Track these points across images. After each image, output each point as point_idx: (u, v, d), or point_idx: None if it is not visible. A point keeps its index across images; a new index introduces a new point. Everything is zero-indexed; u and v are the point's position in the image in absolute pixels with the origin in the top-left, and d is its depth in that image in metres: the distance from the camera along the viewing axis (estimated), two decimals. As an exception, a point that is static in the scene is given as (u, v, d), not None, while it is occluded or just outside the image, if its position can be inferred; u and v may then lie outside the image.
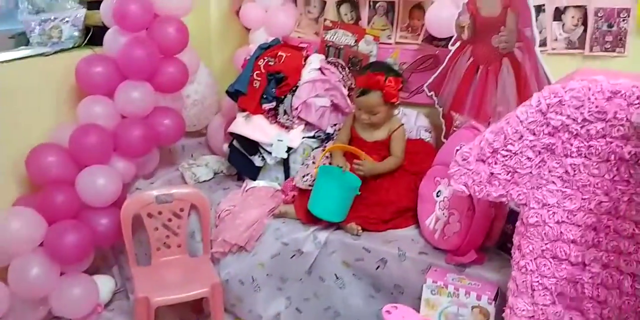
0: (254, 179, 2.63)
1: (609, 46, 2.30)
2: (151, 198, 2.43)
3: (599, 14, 2.29)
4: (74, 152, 2.37)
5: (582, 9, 2.31)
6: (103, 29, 2.60)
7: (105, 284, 2.55)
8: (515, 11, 2.04)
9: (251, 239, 2.34)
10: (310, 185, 2.33)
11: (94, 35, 2.72)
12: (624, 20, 2.25)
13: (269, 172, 2.62)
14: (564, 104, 1.51)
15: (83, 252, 2.31)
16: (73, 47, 2.68)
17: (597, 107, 1.48)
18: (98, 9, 2.62)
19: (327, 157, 2.40)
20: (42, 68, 2.52)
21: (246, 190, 2.56)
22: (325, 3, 2.83)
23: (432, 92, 2.41)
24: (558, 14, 2.35)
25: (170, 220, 2.48)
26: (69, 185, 2.34)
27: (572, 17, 2.33)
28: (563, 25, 2.36)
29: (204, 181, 2.77)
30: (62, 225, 2.28)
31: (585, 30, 2.32)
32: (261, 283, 2.38)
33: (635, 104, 1.44)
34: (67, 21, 2.67)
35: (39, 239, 2.24)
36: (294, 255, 2.28)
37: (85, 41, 2.72)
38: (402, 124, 2.37)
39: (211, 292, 2.28)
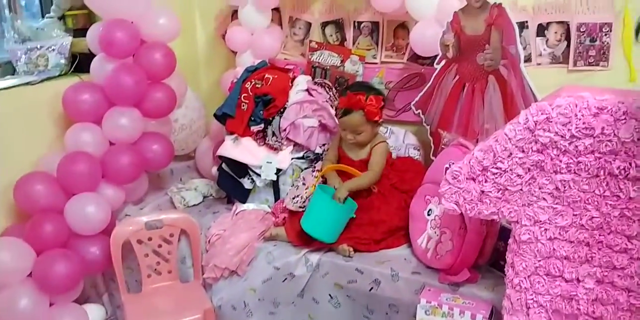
0: (244, 202, 2.62)
1: (592, 60, 2.32)
2: (141, 224, 2.41)
3: (581, 29, 2.31)
4: (62, 180, 2.35)
5: (565, 24, 2.34)
6: (90, 56, 2.60)
7: (95, 312, 2.50)
8: (499, 29, 2.06)
9: (242, 264, 2.32)
10: (300, 207, 2.32)
11: (80, 62, 2.72)
12: (606, 34, 2.28)
13: (259, 194, 2.61)
14: (551, 121, 1.52)
15: (72, 281, 2.27)
16: (60, 75, 2.69)
17: (584, 123, 1.49)
18: (84, 36, 2.62)
19: (321, 177, 2.39)
20: (29, 97, 2.51)
21: (236, 214, 2.55)
22: (310, 25, 2.86)
23: (419, 111, 2.42)
24: (541, 29, 2.38)
25: (160, 246, 2.45)
26: (58, 213, 2.31)
27: (555, 32, 2.36)
28: (547, 40, 2.38)
29: (193, 205, 2.76)
30: (50, 254, 2.25)
31: (568, 45, 2.35)
32: (253, 308, 2.35)
33: (622, 120, 1.45)
34: (53, 49, 2.67)
35: (27, 270, 2.21)
36: (285, 279, 2.26)
37: (72, 69, 2.72)
38: (385, 141, 2.37)
39: (203, 319, 2.25)
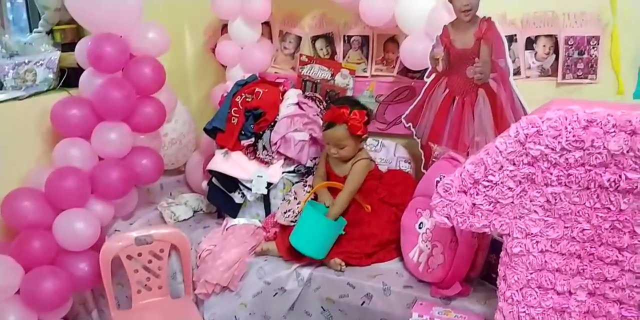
0: (234, 217, 2.60)
1: (581, 73, 2.34)
2: (130, 240, 2.38)
3: (570, 42, 2.33)
4: (50, 195, 2.32)
5: (553, 37, 2.36)
6: (78, 70, 2.59)
7: (85, 329, 2.49)
8: (488, 43, 2.08)
9: (234, 279, 2.30)
10: (292, 221, 2.32)
11: (69, 77, 2.71)
12: (594, 47, 2.30)
13: (250, 208, 2.60)
14: (541, 134, 1.52)
15: (61, 298, 2.24)
16: (48, 90, 2.66)
17: (574, 136, 1.49)
18: (73, 51, 2.60)
19: (309, 192, 2.39)
20: (17, 112, 2.48)
21: (226, 229, 2.53)
22: (300, 39, 2.87)
23: (410, 124, 2.42)
24: (530, 43, 2.40)
25: (150, 261, 2.43)
26: (46, 230, 2.29)
27: (544, 45, 2.38)
28: (535, 53, 2.40)
29: (184, 220, 2.74)
30: (39, 271, 2.22)
31: (557, 58, 2.37)
32: (244, 323, 2.34)
33: (611, 132, 1.45)
34: (41, 64, 2.66)
35: (15, 287, 2.18)
36: (276, 294, 2.25)
37: (60, 83, 2.71)
38: (366, 158, 2.36)
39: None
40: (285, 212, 2.38)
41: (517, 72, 2.38)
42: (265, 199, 2.57)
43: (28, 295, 2.18)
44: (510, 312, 1.67)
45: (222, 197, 2.61)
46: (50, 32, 2.91)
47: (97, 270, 2.34)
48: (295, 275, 2.23)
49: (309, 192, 2.42)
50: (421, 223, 2.13)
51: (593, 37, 2.29)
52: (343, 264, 2.19)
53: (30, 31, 2.95)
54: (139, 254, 2.40)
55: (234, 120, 2.61)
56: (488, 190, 1.62)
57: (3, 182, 2.36)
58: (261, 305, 2.30)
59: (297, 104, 2.63)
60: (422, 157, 2.41)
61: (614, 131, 1.45)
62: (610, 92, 2.30)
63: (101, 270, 2.32)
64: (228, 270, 2.31)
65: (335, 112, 2.27)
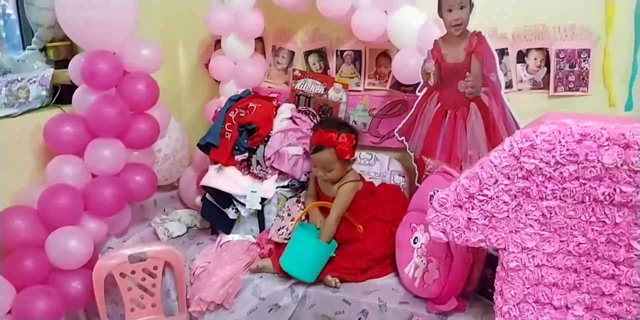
0: (228, 233, 2.59)
1: (572, 86, 2.35)
2: (124, 257, 2.36)
3: (560, 55, 2.34)
4: (43, 213, 2.31)
5: (544, 50, 2.37)
6: (71, 87, 2.58)
7: (78, 349, 2.46)
8: (479, 57, 2.09)
9: (229, 296, 2.28)
10: (286, 239, 2.31)
11: (62, 94, 2.70)
12: (584, 60, 2.32)
13: (244, 224, 2.59)
14: (535, 148, 1.52)
15: (53, 318, 2.21)
16: (41, 107, 2.66)
17: (568, 149, 1.49)
18: (66, 67, 2.60)
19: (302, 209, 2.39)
20: (10, 129, 2.47)
21: (220, 245, 2.51)
22: (293, 53, 2.88)
23: (403, 137, 2.42)
24: (521, 56, 2.41)
25: (144, 279, 2.41)
26: (38, 248, 2.26)
27: (535, 58, 2.39)
28: (527, 66, 2.41)
29: (177, 236, 2.72)
30: (31, 291, 2.19)
31: (548, 71, 2.38)
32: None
33: (605, 146, 1.46)
34: (34, 81, 2.65)
35: (7, 307, 2.15)
36: (271, 310, 2.23)
37: (54, 100, 2.70)
38: (353, 180, 2.35)
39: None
40: (279, 229, 2.37)
41: (509, 85, 2.39)
42: (260, 215, 2.56)
43: (20, 315, 2.15)
44: (507, 327, 1.66)
45: (216, 212, 2.59)
46: (43, 49, 2.90)
47: (90, 288, 2.32)
48: (290, 291, 2.21)
49: (301, 210, 2.41)
50: (416, 238, 2.12)
51: (584, 50, 2.31)
52: (337, 280, 2.18)
53: (24, 48, 2.94)
54: (133, 272, 2.38)
55: (227, 135, 2.61)
56: (483, 205, 1.62)
57: (-3, 200, 2.35)
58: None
59: (291, 118, 2.63)
60: (416, 171, 2.41)
61: (608, 145, 1.46)
62: (602, 104, 2.31)
63: (94, 288, 2.30)
64: (222, 287, 2.29)
65: (323, 136, 2.26)
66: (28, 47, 2.90)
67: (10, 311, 2.17)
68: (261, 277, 2.30)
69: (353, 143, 2.29)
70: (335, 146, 2.24)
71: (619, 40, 2.25)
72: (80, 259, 2.32)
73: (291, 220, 2.36)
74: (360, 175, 2.47)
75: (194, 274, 2.39)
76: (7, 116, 2.51)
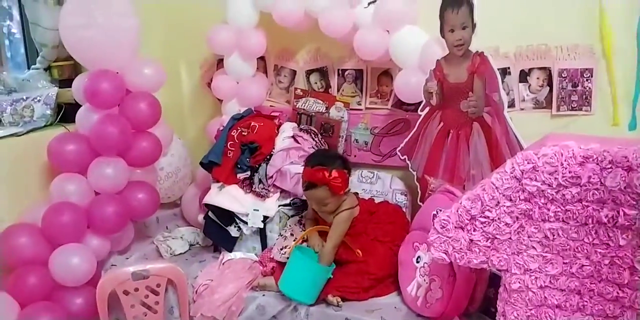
0: (230, 250, 2.59)
1: (575, 105, 2.36)
2: (127, 275, 2.37)
3: (563, 75, 2.36)
4: (46, 231, 2.33)
5: (547, 70, 2.38)
6: (75, 106, 2.61)
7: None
8: (482, 77, 2.10)
9: (233, 314, 2.28)
10: (288, 258, 2.30)
11: (66, 112, 2.73)
12: (587, 80, 2.32)
13: (246, 242, 2.59)
14: (537, 170, 1.53)
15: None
16: (45, 126, 2.68)
17: (570, 172, 1.50)
18: (70, 86, 2.63)
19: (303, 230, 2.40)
20: (14, 148, 2.51)
21: (223, 263, 2.51)
22: (295, 73, 2.89)
23: (405, 156, 2.43)
24: (523, 75, 2.42)
25: (147, 296, 2.41)
26: (42, 265, 2.28)
27: (537, 78, 2.40)
28: (529, 86, 2.42)
29: (180, 254, 2.72)
30: (35, 307, 2.22)
31: (551, 91, 2.39)
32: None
33: (608, 168, 1.46)
34: (38, 100, 2.68)
35: (11, 323, 2.17)
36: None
37: (58, 119, 2.72)
38: (350, 208, 2.32)
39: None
40: (281, 249, 2.37)
41: (511, 104, 2.40)
42: (262, 233, 2.56)
43: (24, 332, 2.16)
44: (510, 348, 1.66)
45: (218, 230, 2.60)
46: (47, 69, 2.93)
47: (93, 305, 2.33)
48: (292, 310, 2.21)
49: (303, 231, 2.41)
50: (419, 257, 2.12)
51: (586, 69, 2.32)
52: (339, 299, 2.17)
53: (28, 68, 2.98)
54: (136, 289, 2.38)
55: (229, 153, 2.63)
56: (485, 226, 1.62)
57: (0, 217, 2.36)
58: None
59: (293, 137, 2.65)
60: (418, 190, 2.42)
61: (611, 167, 1.46)
62: (605, 123, 2.31)
63: (98, 306, 2.32)
64: (224, 304, 2.29)
65: (314, 175, 2.23)
66: (33, 66, 2.93)
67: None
68: (264, 295, 2.30)
69: (346, 177, 2.27)
70: (328, 184, 2.22)
71: (621, 59, 2.26)
72: (84, 276, 2.33)
73: (294, 240, 2.36)
74: (356, 196, 2.45)
75: (196, 291, 2.39)
76: (12, 135, 2.55)
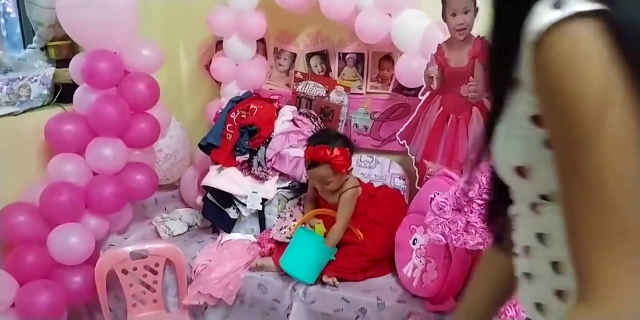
0: (229, 232, 2.61)
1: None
2: (125, 254, 2.40)
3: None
4: (44, 210, 2.33)
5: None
6: (72, 86, 2.59)
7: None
8: (483, 62, 2.10)
9: (230, 293, 2.30)
10: (288, 238, 2.32)
11: (63, 92, 2.71)
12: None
13: (245, 224, 2.61)
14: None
15: (55, 311, 2.26)
16: (42, 106, 2.67)
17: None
18: (67, 66, 2.61)
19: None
20: (11, 127, 2.50)
21: (221, 244, 2.53)
22: (295, 55, 2.88)
23: (404, 141, 2.44)
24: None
25: (145, 275, 2.43)
26: (41, 244, 2.29)
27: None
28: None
29: (178, 235, 2.73)
30: (33, 285, 2.23)
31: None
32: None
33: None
34: (35, 80, 2.65)
35: (10, 300, 2.19)
36: (271, 306, 2.27)
37: (55, 99, 2.71)
38: (353, 186, 2.34)
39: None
40: (281, 229, 2.39)
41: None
42: (260, 215, 2.58)
43: (23, 309, 2.19)
44: (505, 328, 1.68)
45: (217, 212, 2.61)
46: (44, 48, 2.91)
47: (91, 284, 2.36)
48: (291, 289, 2.24)
49: (302, 213, 2.43)
50: (415, 239, 2.14)
51: None
52: (335, 279, 2.20)
53: (24, 47, 2.95)
54: (134, 268, 2.41)
55: (228, 136, 2.63)
56: (482, 209, 1.63)
57: None
58: (259, 317, 2.32)
59: (292, 120, 2.65)
60: (417, 174, 2.43)
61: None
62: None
63: (96, 284, 2.34)
64: (221, 282, 2.31)
65: (316, 152, 2.24)
66: (29, 45, 2.90)
67: (14, 305, 2.20)
68: (262, 275, 2.32)
69: (348, 155, 2.28)
70: (330, 161, 2.22)
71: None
72: (82, 254, 2.35)
73: (293, 221, 2.38)
74: (358, 179, 2.47)
75: (194, 271, 2.42)
76: (9, 114, 2.53)
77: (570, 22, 0.65)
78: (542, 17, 0.66)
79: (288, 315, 2.23)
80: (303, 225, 2.34)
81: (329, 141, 2.28)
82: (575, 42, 0.64)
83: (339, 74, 2.78)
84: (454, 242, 1.70)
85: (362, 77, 2.74)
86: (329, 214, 2.33)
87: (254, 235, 2.57)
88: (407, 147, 2.43)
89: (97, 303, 2.38)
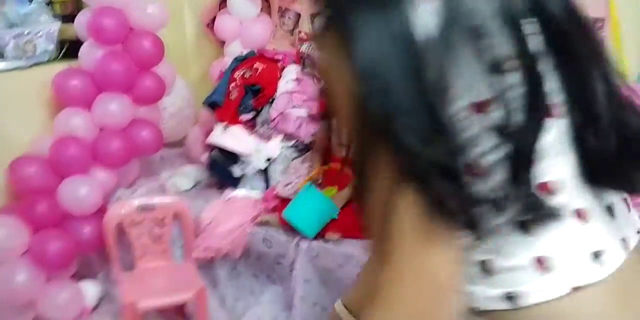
0: (235, 188, 2.64)
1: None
2: (133, 207, 2.43)
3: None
4: (54, 163, 2.36)
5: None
6: (78, 43, 2.59)
7: (91, 289, 2.54)
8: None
9: (236, 247, 2.35)
10: (293, 193, 2.36)
11: (69, 48, 2.71)
12: (599, 29, 2.20)
13: (249, 181, 2.63)
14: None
15: (67, 258, 2.31)
16: (48, 61, 2.67)
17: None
18: (72, 22, 2.60)
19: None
20: (19, 81, 2.51)
21: (227, 200, 2.57)
22: (299, 15, 2.87)
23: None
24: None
25: (152, 228, 2.47)
26: (51, 195, 2.33)
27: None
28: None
29: (185, 190, 2.76)
30: (45, 233, 2.27)
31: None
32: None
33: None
34: (41, 35, 2.65)
35: (23, 247, 2.23)
36: (276, 260, 2.32)
37: (61, 55, 2.71)
38: None
39: (196, 297, 2.28)
40: (286, 185, 2.41)
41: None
42: (265, 173, 2.60)
43: (36, 255, 2.23)
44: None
45: (222, 169, 2.63)
46: (49, 4, 2.88)
47: (100, 234, 2.40)
48: (295, 244, 2.28)
49: (307, 170, 2.45)
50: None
51: (598, 18, 2.21)
52: (338, 236, 2.23)
53: (30, 1, 2.92)
54: (142, 221, 2.45)
55: (232, 95, 2.64)
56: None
57: (7, 149, 2.39)
58: (259, 267, 2.39)
59: (296, 80, 2.66)
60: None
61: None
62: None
63: (105, 235, 2.38)
64: (228, 237, 2.36)
65: None
66: (34, 0, 2.88)
67: (27, 251, 2.24)
68: (266, 231, 2.36)
69: None
70: None
71: (630, 8, 2.20)
72: (91, 206, 2.38)
73: (298, 177, 2.41)
74: None
75: (200, 225, 2.46)
76: (16, 68, 2.54)
77: None
78: None
79: (292, 270, 2.28)
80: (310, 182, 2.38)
81: None
82: None
83: (344, 35, 2.78)
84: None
85: (367, 38, 2.74)
86: (337, 168, 2.35)
87: (260, 192, 2.61)
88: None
89: (106, 253, 2.43)
